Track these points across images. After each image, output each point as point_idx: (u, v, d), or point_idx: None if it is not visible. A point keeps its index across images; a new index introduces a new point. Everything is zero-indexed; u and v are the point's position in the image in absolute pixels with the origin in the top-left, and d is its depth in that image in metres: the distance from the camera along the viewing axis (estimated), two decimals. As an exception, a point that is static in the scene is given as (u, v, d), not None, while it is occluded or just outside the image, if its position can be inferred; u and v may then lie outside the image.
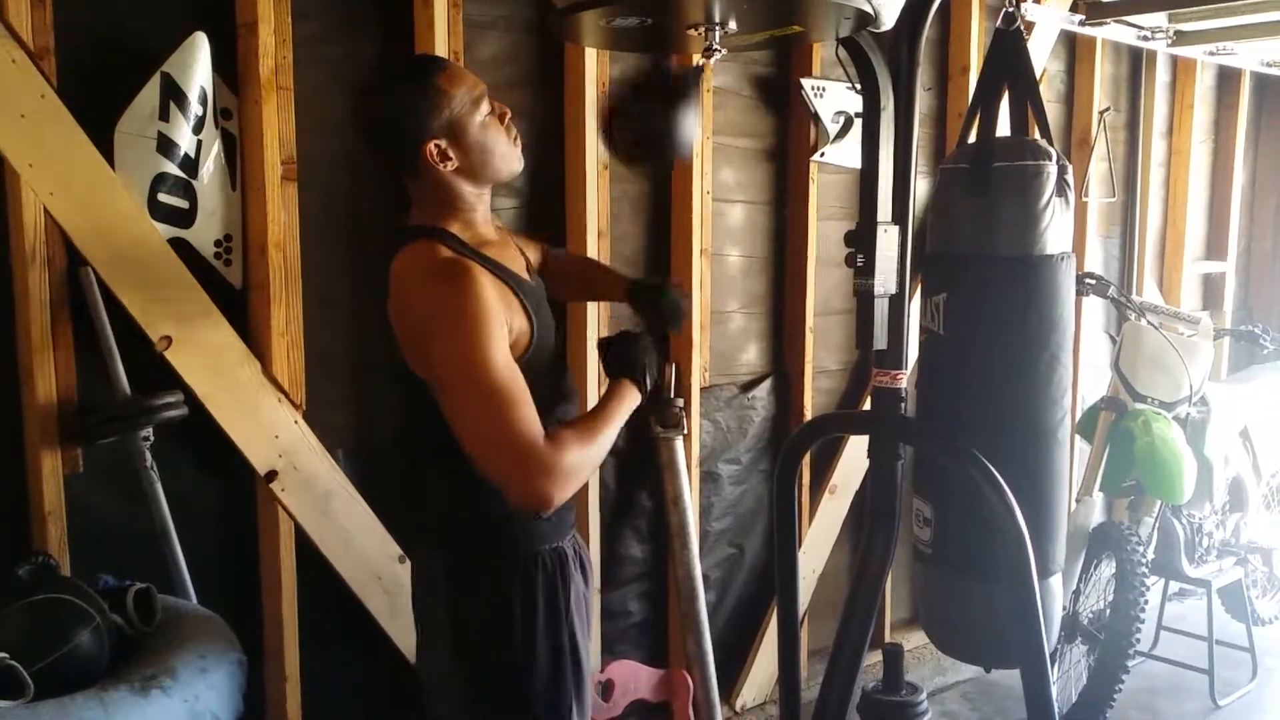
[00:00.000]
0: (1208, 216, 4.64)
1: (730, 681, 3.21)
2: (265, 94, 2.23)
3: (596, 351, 1.96)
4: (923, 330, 2.23)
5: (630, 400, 1.81)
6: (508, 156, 1.77)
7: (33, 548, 2.07)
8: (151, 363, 2.16)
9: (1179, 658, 3.58)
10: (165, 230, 2.17)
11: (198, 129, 2.17)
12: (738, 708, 3.22)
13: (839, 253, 2.07)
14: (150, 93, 2.11)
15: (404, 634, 2.47)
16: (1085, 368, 3.98)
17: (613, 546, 2.97)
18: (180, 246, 2.20)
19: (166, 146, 2.14)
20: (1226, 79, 4.58)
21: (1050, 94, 3.84)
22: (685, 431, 2.97)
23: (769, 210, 3.18)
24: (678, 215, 2.93)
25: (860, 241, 2.02)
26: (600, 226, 2.75)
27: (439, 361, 1.61)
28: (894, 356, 2.09)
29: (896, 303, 2.06)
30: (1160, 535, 3.46)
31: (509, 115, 1.77)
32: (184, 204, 2.20)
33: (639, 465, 2.98)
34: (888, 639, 3.51)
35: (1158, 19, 3.65)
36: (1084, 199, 3.86)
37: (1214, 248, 4.67)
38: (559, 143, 2.72)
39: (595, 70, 2.70)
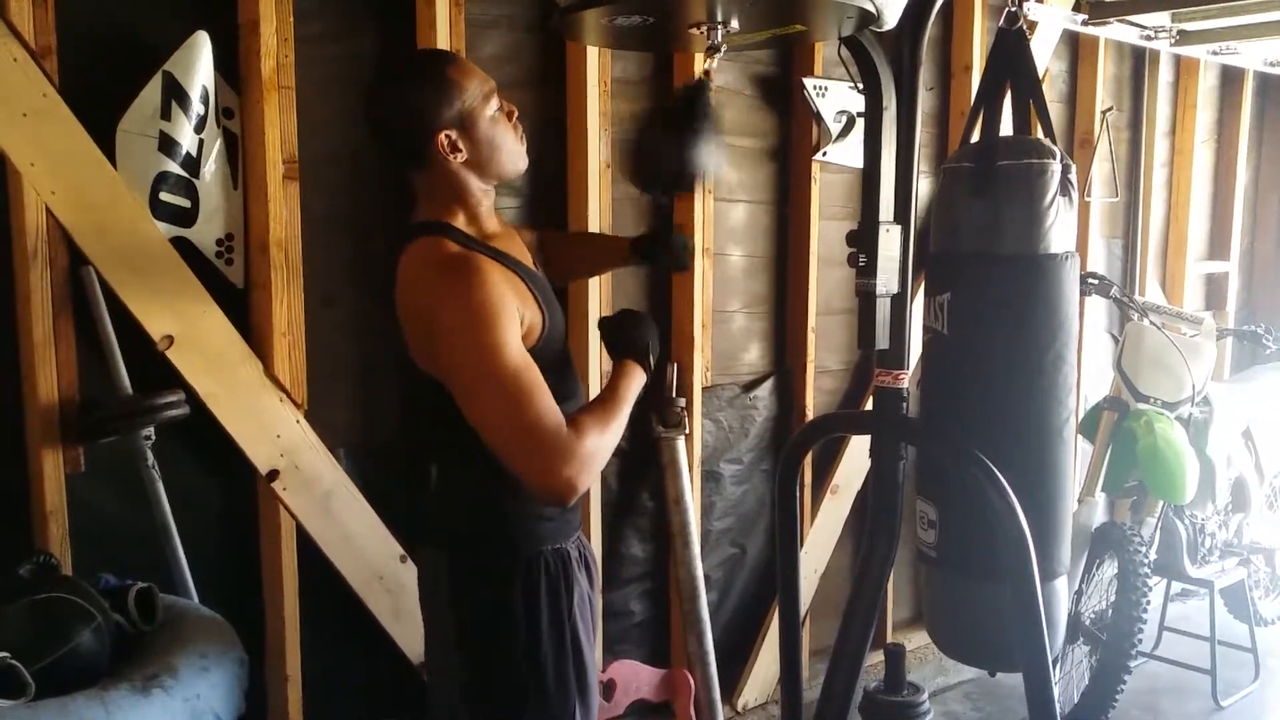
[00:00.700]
0: (1210, 216, 4.64)
1: (732, 681, 3.21)
2: (267, 93, 2.23)
3: (598, 330, 1.96)
4: (926, 330, 2.22)
5: (637, 380, 1.82)
6: (514, 154, 1.78)
7: (34, 547, 2.07)
8: (153, 362, 2.16)
9: (1181, 658, 3.57)
10: (167, 229, 2.17)
11: (199, 128, 2.17)
12: (739, 707, 3.21)
13: (841, 252, 2.06)
14: (152, 92, 2.11)
15: (405, 634, 2.47)
16: (1088, 368, 3.97)
17: (614, 546, 2.97)
18: (182, 245, 2.20)
19: (168, 145, 2.14)
20: (1229, 79, 4.57)
21: (1053, 94, 3.84)
22: (687, 431, 2.97)
23: (771, 210, 3.18)
24: (680, 215, 2.92)
25: (862, 241, 2.02)
26: (602, 226, 2.74)
27: (453, 357, 1.60)
28: (896, 356, 2.08)
29: (898, 302, 2.05)
30: (1163, 535, 3.46)
31: (516, 114, 1.78)
32: (186, 203, 2.20)
33: (641, 465, 2.97)
34: (889, 639, 3.50)
35: (1161, 18, 3.65)
36: (1087, 199, 3.86)
37: (1217, 247, 4.66)
38: (561, 142, 2.72)
39: (598, 69, 2.69)
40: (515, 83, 2.62)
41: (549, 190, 2.71)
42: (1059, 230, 2.09)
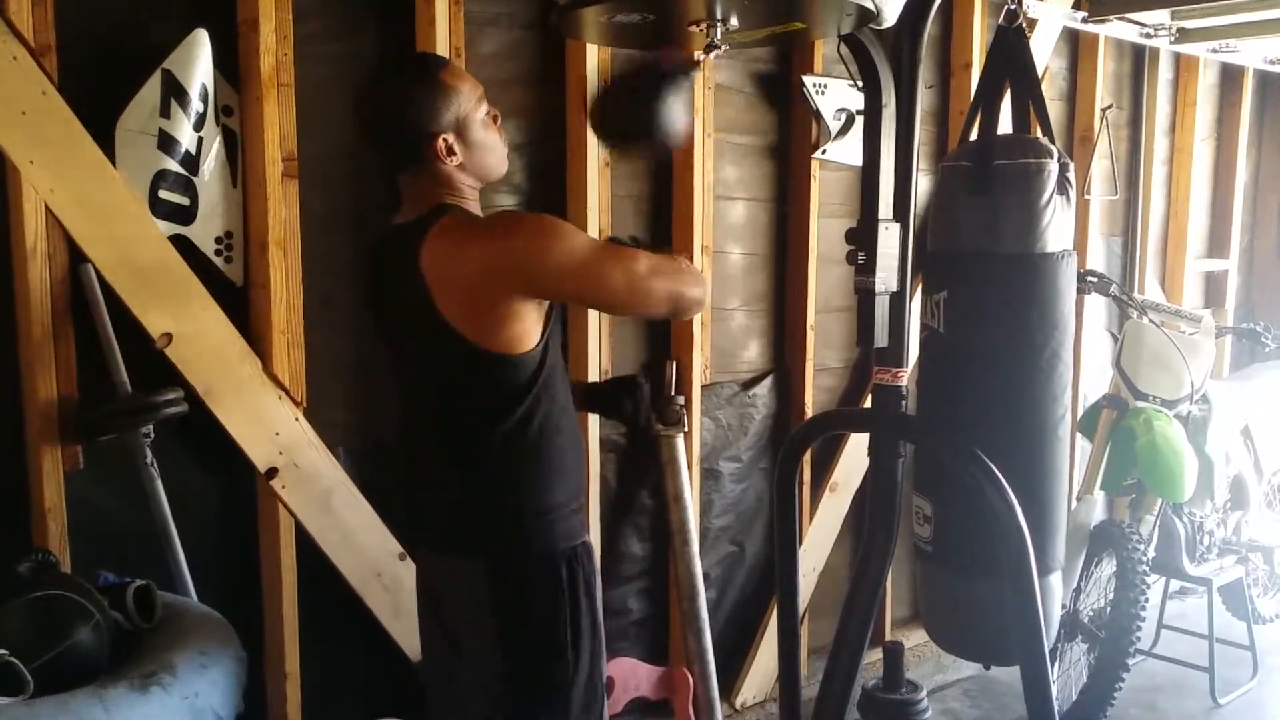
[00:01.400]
0: (1210, 214, 4.64)
1: (731, 679, 3.21)
2: (266, 91, 2.23)
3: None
4: (923, 328, 2.23)
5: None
6: (502, 157, 1.86)
7: (33, 544, 2.07)
8: (152, 360, 2.16)
9: (1180, 656, 3.58)
10: (166, 227, 2.17)
11: (199, 126, 2.17)
12: (738, 705, 3.22)
13: (840, 250, 2.06)
14: (151, 89, 2.11)
15: (404, 632, 2.47)
16: (1087, 366, 3.97)
17: (613, 544, 2.97)
18: (181, 243, 2.20)
19: (167, 143, 2.14)
20: (1229, 76, 4.57)
21: (1052, 91, 3.84)
22: (686, 429, 2.97)
23: (770, 207, 3.18)
24: (679, 212, 2.92)
25: (861, 239, 2.02)
26: (601, 224, 2.74)
27: (557, 261, 1.69)
28: (895, 354, 2.08)
29: (897, 300, 2.05)
30: (1161, 533, 3.46)
31: (499, 118, 1.85)
32: (185, 201, 2.20)
33: (640, 462, 2.98)
34: (888, 637, 3.51)
35: (1160, 16, 3.64)
36: (1086, 197, 3.86)
37: (1216, 245, 4.66)
38: (561, 140, 2.71)
39: (596, 67, 2.69)
40: (514, 80, 2.62)
41: (548, 188, 2.70)
42: (1056, 229, 2.09)
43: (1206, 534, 3.57)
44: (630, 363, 2.94)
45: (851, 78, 2.04)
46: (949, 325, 2.15)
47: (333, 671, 2.48)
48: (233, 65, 2.25)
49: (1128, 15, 3.57)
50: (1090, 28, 3.62)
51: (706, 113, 2.90)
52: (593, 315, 2.75)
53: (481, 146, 1.78)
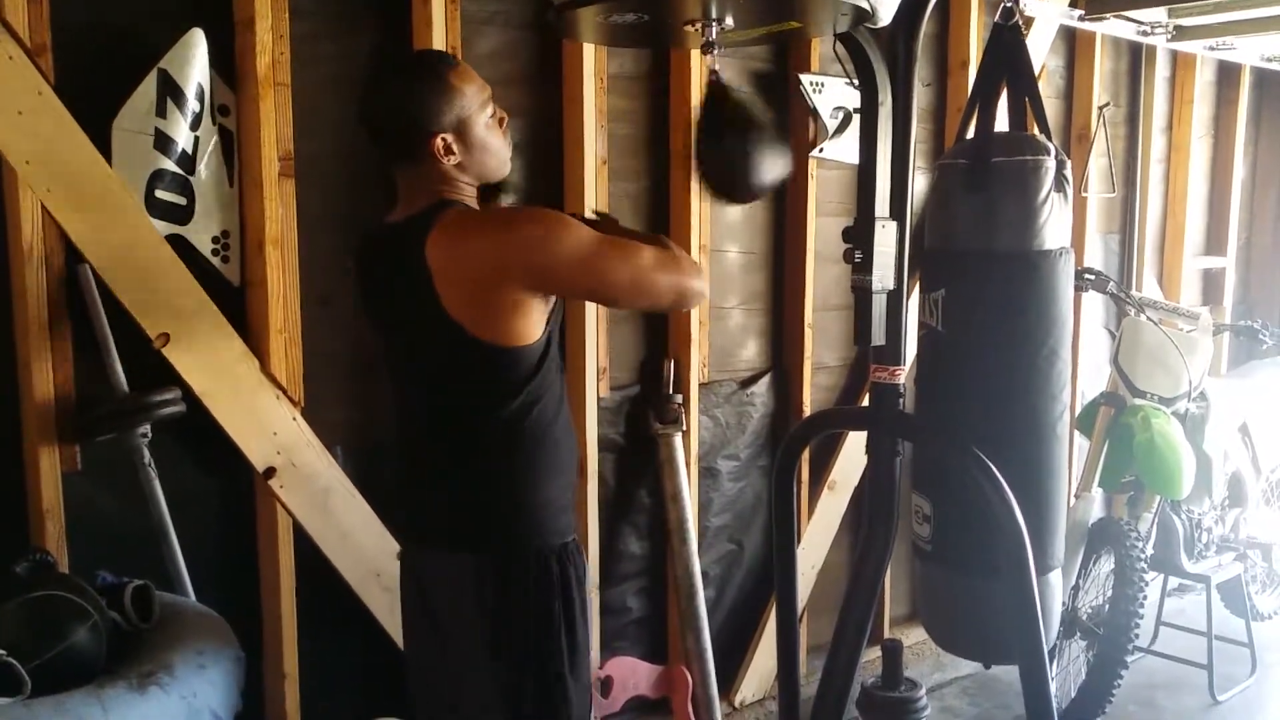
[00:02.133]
0: (1207, 211, 4.64)
1: (729, 677, 3.21)
2: (263, 90, 2.23)
3: None
4: (921, 326, 2.23)
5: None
6: (503, 159, 1.85)
7: (30, 544, 2.07)
8: (149, 360, 2.16)
9: (1178, 653, 3.58)
10: (163, 227, 2.17)
11: (195, 125, 2.17)
12: (737, 703, 3.22)
13: (838, 248, 2.06)
14: (147, 89, 2.11)
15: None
16: (1084, 363, 3.97)
17: (612, 543, 2.97)
18: (178, 243, 2.19)
19: (164, 143, 2.14)
20: (1226, 74, 4.57)
21: (1049, 89, 3.84)
22: (684, 428, 2.97)
23: (767, 206, 3.18)
24: (676, 211, 2.92)
25: (858, 237, 2.02)
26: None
27: (561, 257, 1.70)
28: (892, 352, 2.09)
29: (894, 298, 2.05)
30: (1159, 531, 3.46)
31: (506, 120, 1.84)
32: (182, 201, 2.19)
33: (638, 461, 2.98)
34: (887, 635, 3.51)
35: (1157, 14, 3.64)
36: (1083, 194, 3.86)
37: (1214, 243, 4.66)
38: (558, 139, 2.71)
39: (594, 66, 2.69)
40: (511, 79, 2.62)
41: (546, 187, 2.70)
42: (1053, 226, 2.09)
43: (1205, 531, 3.58)
44: (629, 361, 2.94)
45: (848, 76, 2.04)
46: (947, 323, 2.15)
47: (331, 671, 2.48)
48: (229, 65, 2.24)
49: (1125, 13, 3.58)
50: (1087, 25, 3.63)
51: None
52: (590, 313, 2.75)
53: (482, 148, 1.78)
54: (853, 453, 3.31)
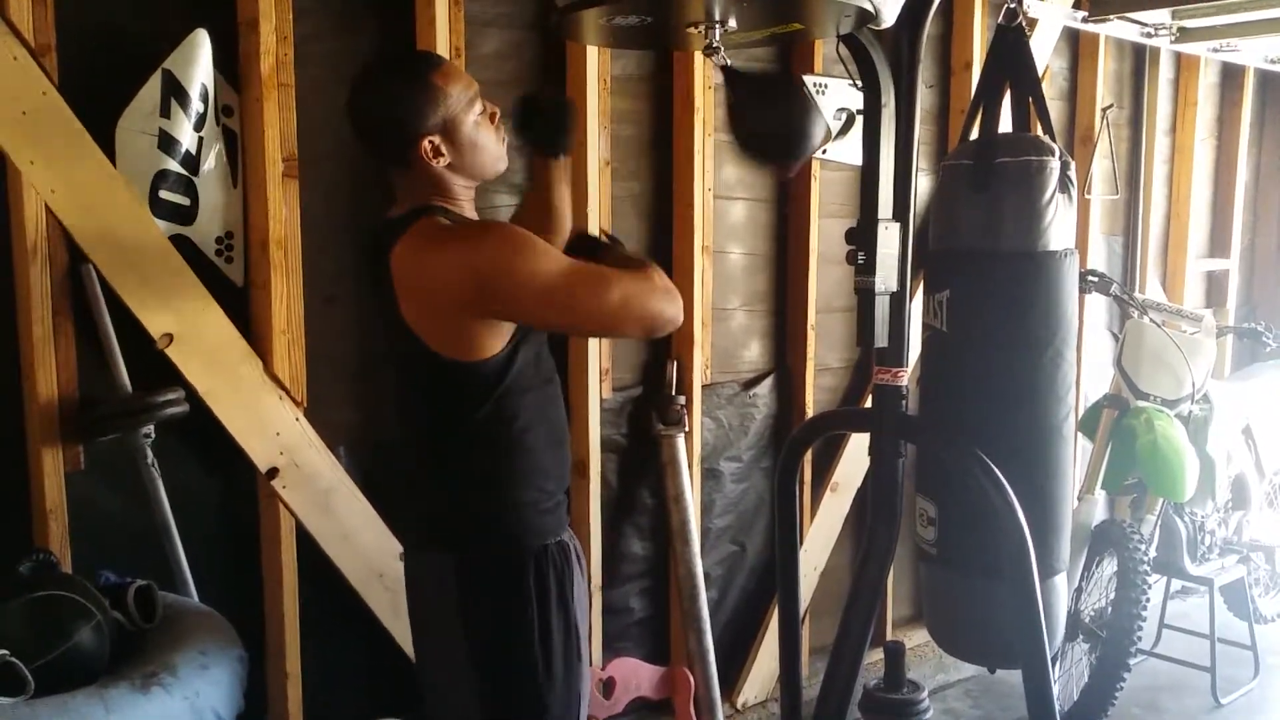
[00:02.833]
0: (1211, 214, 4.63)
1: (732, 679, 3.21)
2: (266, 91, 2.23)
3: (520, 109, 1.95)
4: (925, 327, 2.23)
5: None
6: (496, 156, 1.81)
7: (34, 544, 2.07)
8: (153, 360, 2.16)
9: (1181, 656, 3.57)
10: (167, 227, 2.17)
11: (199, 126, 2.17)
12: (739, 705, 3.22)
13: (841, 250, 2.06)
14: (151, 90, 2.11)
15: (405, 631, 2.45)
16: (1088, 365, 3.97)
17: (614, 544, 2.97)
18: (182, 244, 2.20)
19: (168, 143, 2.14)
20: (1230, 76, 4.57)
21: (1053, 91, 3.84)
22: (687, 429, 2.97)
23: (771, 207, 3.18)
24: (680, 212, 2.92)
25: (861, 239, 2.02)
26: (602, 224, 2.75)
27: (519, 287, 1.62)
28: (895, 354, 2.09)
29: (898, 300, 2.05)
30: (1162, 533, 3.46)
31: (499, 115, 1.80)
32: (185, 201, 2.20)
33: (640, 462, 2.98)
34: (889, 636, 3.50)
35: (1161, 15, 3.64)
36: (1087, 196, 3.86)
37: (1217, 245, 4.65)
38: (560, 140, 2.71)
39: (597, 67, 2.69)
40: (514, 80, 2.62)
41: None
42: (1058, 227, 2.09)
43: (1208, 534, 3.57)
44: (631, 362, 2.94)
45: (851, 78, 2.04)
46: (951, 324, 2.15)
47: (334, 671, 2.49)
48: (233, 65, 2.25)
49: (1128, 14, 3.58)
50: (1091, 27, 3.62)
51: (706, 113, 2.90)
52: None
53: (472, 147, 1.74)
54: (856, 454, 3.30)
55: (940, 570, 2.23)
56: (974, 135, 2.25)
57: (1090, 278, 3.39)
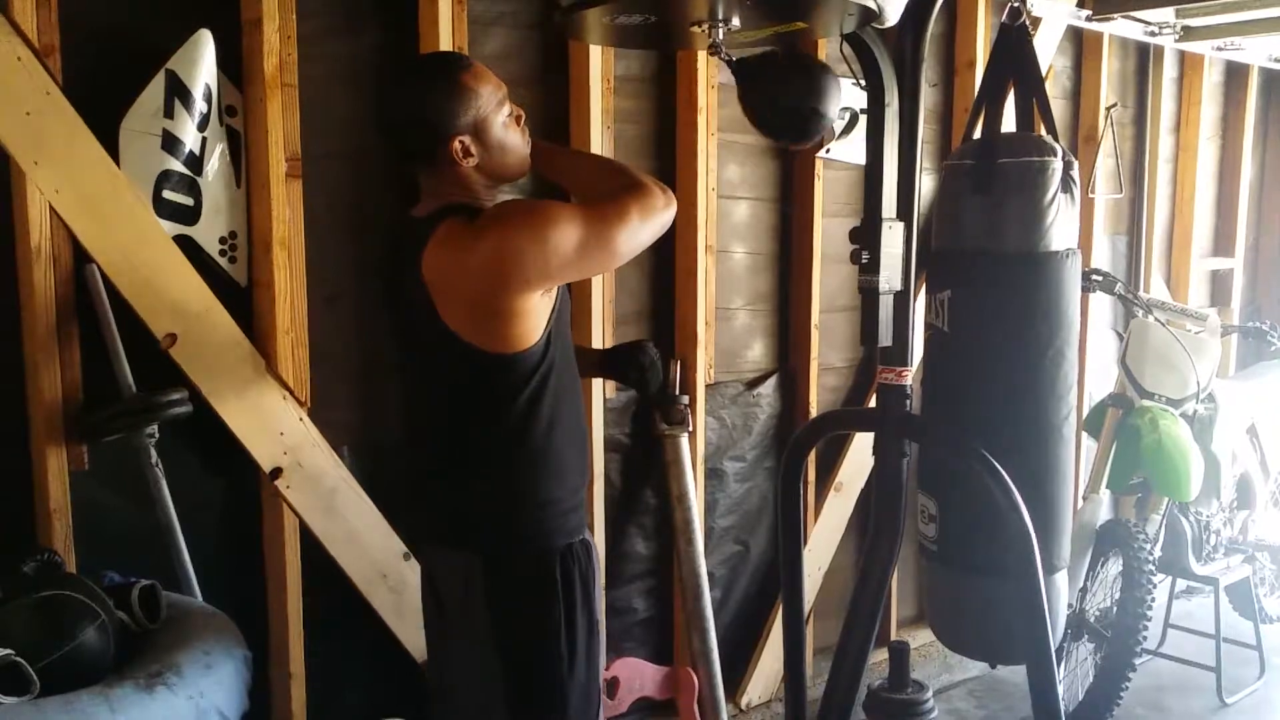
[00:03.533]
0: (1215, 213, 4.62)
1: (736, 679, 3.21)
2: (270, 91, 2.23)
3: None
4: (928, 327, 2.22)
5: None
6: (523, 158, 1.83)
7: (38, 544, 2.07)
8: (156, 360, 2.16)
9: (1186, 655, 3.57)
10: (170, 228, 2.17)
11: (202, 126, 2.18)
12: (743, 705, 3.21)
13: (844, 249, 2.06)
14: (155, 90, 2.11)
15: (409, 631, 2.48)
16: (1092, 364, 3.96)
17: (618, 543, 2.97)
18: (185, 244, 2.20)
19: (171, 144, 2.14)
20: (1235, 74, 4.56)
21: (1056, 90, 3.83)
22: (690, 429, 2.96)
23: (774, 207, 3.18)
24: (683, 211, 2.90)
25: (865, 238, 2.02)
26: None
27: (555, 253, 1.67)
28: (899, 353, 2.09)
29: (901, 299, 2.05)
30: (1167, 533, 3.45)
31: (524, 117, 1.82)
32: (189, 201, 2.20)
33: (644, 462, 2.97)
34: (893, 636, 3.50)
35: (1165, 14, 3.64)
36: (1091, 195, 3.85)
37: (1222, 244, 4.65)
38: (565, 139, 2.71)
39: (600, 67, 2.69)
40: (518, 80, 2.62)
41: (553, 188, 2.70)
42: (1060, 227, 2.09)
43: (1213, 533, 3.56)
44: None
45: (855, 76, 2.04)
46: (954, 324, 2.14)
47: (337, 671, 2.49)
48: (236, 65, 2.25)
49: (1132, 13, 3.57)
50: (1094, 26, 3.62)
51: (709, 112, 2.90)
52: (597, 314, 2.75)
53: (500, 149, 1.76)
54: (859, 454, 3.30)
55: (941, 567, 2.23)
56: (977, 135, 2.24)
57: (1095, 277, 3.38)
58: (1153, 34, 3.75)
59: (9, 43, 1.95)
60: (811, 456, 3.19)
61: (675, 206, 1.81)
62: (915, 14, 1.98)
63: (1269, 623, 3.74)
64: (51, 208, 2.04)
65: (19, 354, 2.08)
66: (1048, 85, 2.26)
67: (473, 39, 2.52)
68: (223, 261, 2.27)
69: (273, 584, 2.38)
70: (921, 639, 3.53)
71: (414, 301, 1.72)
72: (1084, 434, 3.59)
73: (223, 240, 2.27)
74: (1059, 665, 2.08)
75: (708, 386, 3.04)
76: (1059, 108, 3.78)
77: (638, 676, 2.99)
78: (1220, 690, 3.42)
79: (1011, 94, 2.23)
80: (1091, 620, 3.25)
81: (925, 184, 3.34)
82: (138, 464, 2.16)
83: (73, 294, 2.10)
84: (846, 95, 3.08)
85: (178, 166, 2.16)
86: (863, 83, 2.02)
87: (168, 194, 2.16)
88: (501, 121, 1.76)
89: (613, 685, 2.92)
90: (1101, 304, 4.02)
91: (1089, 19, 3.56)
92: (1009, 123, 2.24)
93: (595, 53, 2.67)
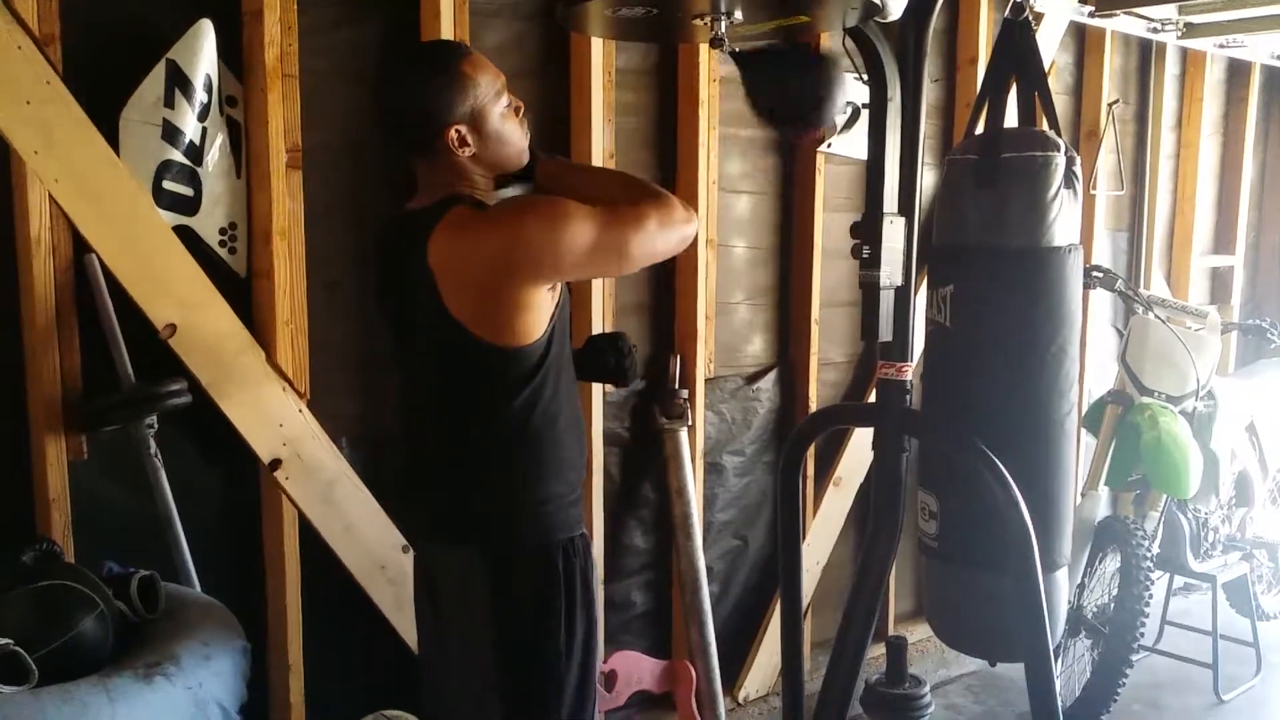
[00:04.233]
0: (1216, 210, 4.62)
1: (733, 673, 3.21)
2: (270, 82, 2.23)
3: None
4: (929, 322, 2.22)
5: None
6: (520, 149, 1.82)
7: (37, 534, 2.07)
8: (156, 350, 2.16)
9: (1183, 652, 3.57)
10: (170, 218, 2.17)
11: (203, 116, 2.17)
12: (740, 699, 3.22)
13: (845, 244, 2.06)
14: (155, 80, 2.11)
15: (407, 623, 2.47)
16: (1092, 361, 3.96)
17: (617, 537, 2.97)
18: (185, 234, 2.20)
19: (172, 134, 2.14)
20: (1236, 72, 4.56)
21: (1059, 86, 3.83)
22: (690, 423, 2.97)
23: (775, 201, 3.17)
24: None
25: (866, 233, 2.02)
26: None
27: (568, 250, 1.68)
28: (899, 348, 2.08)
29: (902, 294, 2.05)
30: (1165, 530, 3.45)
31: (523, 109, 1.81)
32: (189, 191, 2.19)
33: (643, 456, 2.97)
34: (891, 631, 3.50)
35: (1168, 11, 3.63)
36: (1092, 192, 3.85)
37: (1222, 241, 4.65)
38: (565, 133, 2.71)
39: (601, 59, 2.69)
40: (519, 72, 2.62)
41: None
42: (1063, 223, 2.08)
43: (1211, 530, 3.57)
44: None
45: (857, 71, 2.04)
46: (955, 319, 2.14)
47: (336, 662, 2.49)
48: (237, 56, 2.24)
49: (1135, 10, 3.56)
50: (1097, 22, 3.61)
51: (711, 106, 2.89)
52: (597, 308, 2.75)
53: (497, 139, 1.76)
54: (859, 449, 3.30)
55: (941, 564, 2.23)
56: (979, 130, 2.24)
57: (1095, 273, 3.38)
58: (1155, 30, 3.74)
59: (9, 32, 1.95)
60: (810, 451, 3.19)
61: (696, 224, 1.81)
62: (918, 9, 1.98)
63: (1266, 620, 3.75)
64: (51, 197, 2.04)
65: (18, 343, 2.07)
66: (1050, 81, 2.25)
67: (474, 31, 2.51)
68: (222, 252, 2.27)
69: (271, 575, 2.39)
70: (919, 634, 3.54)
71: (416, 291, 1.72)
72: (1083, 430, 3.59)
73: (223, 231, 2.26)
74: (1057, 661, 2.08)
75: (707, 381, 3.04)
76: (1061, 104, 3.77)
77: (636, 670, 2.99)
78: (1217, 687, 3.43)
79: (1014, 89, 2.22)
80: (1089, 616, 3.26)
81: (927, 179, 3.33)
82: (137, 454, 2.16)
83: (72, 284, 2.09)
84: (849, 89, 3.10)
85: (178, 156, 2.15)
86: (865, 77, 2.02)
87: (168, 184, 2.16)
88: (499, 112, 1.75)
89: (611, 678, 2.93)
90: (1102, 301, 4.02)
91: (1092, 15, 3.55)
92: (1011, 118, 2.23)
93: (597, 45, 2.67)
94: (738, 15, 1.75)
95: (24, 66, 1.97)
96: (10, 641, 1.64)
